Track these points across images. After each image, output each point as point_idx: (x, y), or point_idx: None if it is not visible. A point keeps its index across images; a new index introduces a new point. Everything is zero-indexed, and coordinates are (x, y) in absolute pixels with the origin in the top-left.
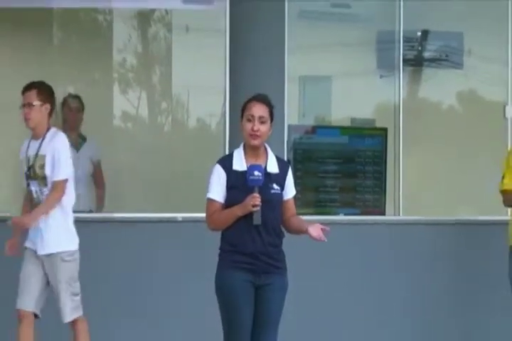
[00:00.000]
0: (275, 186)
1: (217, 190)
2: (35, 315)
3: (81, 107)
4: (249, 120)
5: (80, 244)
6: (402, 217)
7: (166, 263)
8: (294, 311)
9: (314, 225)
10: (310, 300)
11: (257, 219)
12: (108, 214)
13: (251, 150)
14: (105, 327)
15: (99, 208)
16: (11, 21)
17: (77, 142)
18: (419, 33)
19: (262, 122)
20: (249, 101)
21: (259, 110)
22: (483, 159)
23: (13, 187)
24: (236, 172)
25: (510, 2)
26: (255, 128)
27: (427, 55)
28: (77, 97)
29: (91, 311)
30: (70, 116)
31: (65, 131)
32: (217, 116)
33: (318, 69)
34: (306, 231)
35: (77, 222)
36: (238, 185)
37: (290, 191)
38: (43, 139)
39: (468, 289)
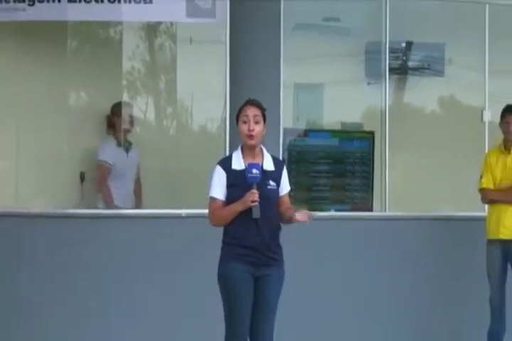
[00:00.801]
0: (271, 183)
1: (218, 188)
2: None
3: (131, 113)
4: (244, 122)
5: (92, 238)
6: (388, 213)
7: (170, 256)
8: (290, 299)
9: (302, 213)
10: (305, 289)
11: (256, 213)
12: (118, 211)
13: (248, 151)
14: (111, 314)
15: (138, 206)
16: (29, 33)
17: (126, 146)
18: (403, 44)
19: (256, 122)
20: (243, 105)
21: (252, 111)
22: (462, 160)
23: (34, 184)
24: (235, 171)
25: (486, 16)
26: (251, 128)
27: (410, 64)
28: (129, 104)
29: (100, 300)
30: (122, 122)
31: (108, 134)
32: (218, 120)
33: (311, 77)
34: (295, 219)
35: (90, 217)
36: (237, 183)
37: (285, 187)
38: None
39: (448, 277)
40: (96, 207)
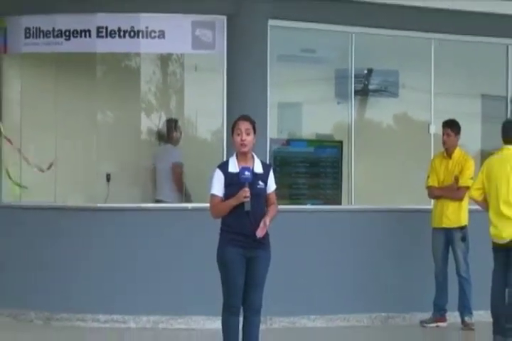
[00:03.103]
0: (260, 182)
1: (218, 187)
2: None
3: (178, 126)
4: (238, 134)
5: (117, 226)
6: (354, 206)
7: (179, 240)
8: (276, 276)
9: (261, 223)
10: (288, 266)
11: (247, 207)
12: (137, 204)
13: (242, 157)
14: (138, 281)
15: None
16: (65, 62)
17: None
18: (365, 71)
19: (248, 134)
20: (237, 120)
21: (244, 125)
22: (413, 163)
23: (69, 183)
24: (231, 173)
25: (432, 49)
26: (243, 138)
27: (371, 87)
28: (175, 120)
29: (127, 268)
30: (173, 133)
31: (166, 142)
32: (217, 132)
33: (292, 97)
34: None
35: (115, 210)
36: (233, 182)
37: (271, 186)
38: None
39: (402, 256)
40: (156, 200)
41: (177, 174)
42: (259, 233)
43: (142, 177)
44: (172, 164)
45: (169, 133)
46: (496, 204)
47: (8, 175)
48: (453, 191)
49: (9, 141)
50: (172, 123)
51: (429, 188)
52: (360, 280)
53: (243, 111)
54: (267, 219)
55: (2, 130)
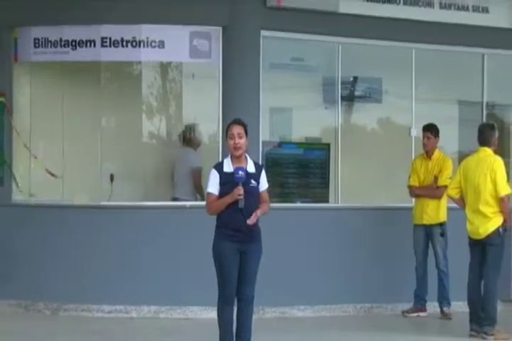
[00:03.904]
0: (253, 181)
1: (214, 186)
2: None
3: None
4: (231, 138)
5: (120, 223)
6: (340, 204)
7: (178, 236)
8: (267, 269)
9: (253, 215)
10: (278, 260)
11: (241, 204)
12: (140, 203)
13: (235, 158)
14: (142, 275)
15: None
16: (72, 69)
17: None
18: (351, 78)
19: (240, 137)
20: (230, 124)
21: (236, 129)
22: (395, 164)
23: (75, 183)
24: (226, 173)
25: (413, 57)
26: (236, 142)
27: (357, 93)
28: (194, 125)
29: (131, 263)
30: (192, 138)
31: (186, 146)
32: (213, 135)
33: (283, 103)
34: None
35: (118, 208)
36: (227, 181)
37: (263, 185)
38: None
39: (385, 251)
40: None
41: (196, 178)
42: (250, 221)
43: (143, 177)
44: (191, 168)
45: (188, 137)
46: (473, 202)
47: (17, 184)
48: (432, 190)
49: (28, 149)
50: (191, 128)
51: (410, 187)
52: (347, 273)
53: (237, 115)
54: (258, 211)
55: (16, 132)
